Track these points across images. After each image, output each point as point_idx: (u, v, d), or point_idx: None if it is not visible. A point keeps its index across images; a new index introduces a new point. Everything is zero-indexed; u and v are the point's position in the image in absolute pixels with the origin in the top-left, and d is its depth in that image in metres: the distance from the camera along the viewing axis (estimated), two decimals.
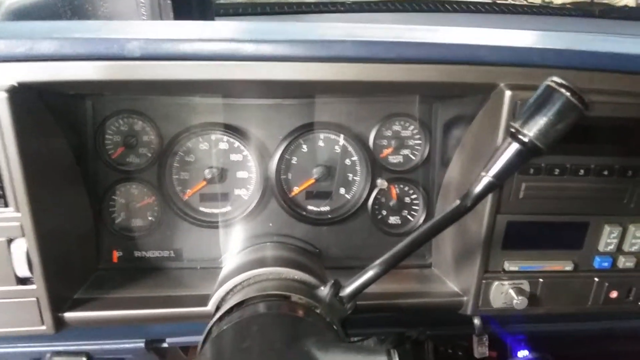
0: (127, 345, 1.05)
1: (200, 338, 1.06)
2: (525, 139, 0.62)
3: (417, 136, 1.06)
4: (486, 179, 0.66)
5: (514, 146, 0.63)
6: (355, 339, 0.82)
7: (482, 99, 0.87)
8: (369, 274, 0.75)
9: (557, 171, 0.86)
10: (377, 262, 0.75)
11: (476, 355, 1.05)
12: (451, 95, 0.97)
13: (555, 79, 0.61)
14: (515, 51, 0.79)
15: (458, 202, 0.70)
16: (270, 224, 1.07)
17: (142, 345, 1.05)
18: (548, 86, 0.61)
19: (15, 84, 0.74)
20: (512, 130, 0.63)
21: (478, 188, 0.67)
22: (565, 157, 0.86)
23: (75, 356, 0.71)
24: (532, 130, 0.61)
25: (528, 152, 0.63)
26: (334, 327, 0.73)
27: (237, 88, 0.88)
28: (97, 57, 0.74)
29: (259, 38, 0.76)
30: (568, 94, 0.59)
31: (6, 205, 0.78)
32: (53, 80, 0.76)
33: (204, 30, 0.85)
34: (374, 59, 0.77)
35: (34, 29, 0.82)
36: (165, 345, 1.09)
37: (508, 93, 0.80)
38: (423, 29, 0.91)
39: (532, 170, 0.85)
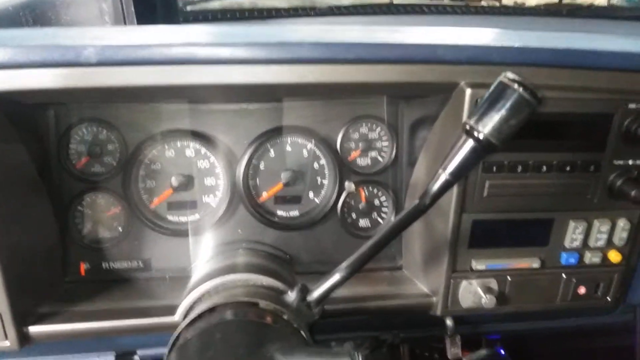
0: (96, 359, 1.03)
1: None
2: (480, 136, 0.62)
3: (384, 137, 1.06)
4: (443, 176, 0.66)
5: (469, 143, 0.64)
6: (333, 343, 0.81)
7: (445, 98, 0.87)
8: (335, 277, 0.74)
9: (519, 168, 0.86)
10: (343, 265, 0.75)
11: (449, 356, 1.05)
12: (415, 96, 0.98)
13: (509, 74, 0.61)
14: (474, 49, 0.80)
15: (417, 201, 0.70)
16: (240, 231, 1.06)
17: (112, 358, 1.03)
18: (501, 82, 0.62)
19: None
20: (467, 127, 0.64)
21: (435, 186, 0.67)
22: (527, 154, 0.86)
23: None
24: (486, 126, 0.62)
25: (482, 148, 0.63)
26: (301, 332, 0.73)
27: (199, 93, 0.88)
28: (52, 65, 0.73)
29: (218, 41, 0.76)
30: (520, 89, 0.60)
31: None
32: (9, 90, 0.75)
33: (163, 34, 0.85)
34: (333, 60, 0.77)
35: None
36: (136, 357, 1.07)
37: (468, 91, 0.80)
38: (385, 29, 0.91)
39: (495, 168, 0.86)
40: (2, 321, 0.82)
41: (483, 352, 1.16)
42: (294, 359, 0.62)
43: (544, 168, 0.87)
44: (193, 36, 0.83)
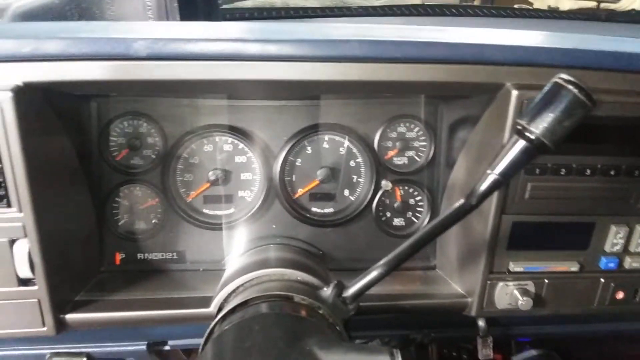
0: (128, 348, 1.04)
1: (201, 340, 1.06)
2: (532, 136, 0.62)
3: (422, 137, 1.06)
4: (492, 176, 0.66)
5: (521, 143, 0.63)
6: (358, 340, 0.81)
7: (488, 99, 0.86)
8: (372, 274, 0.74)
9: (563, 171, 0.86)
10: (381, 262, 0.74)
11: (480, 357, 1.04)
12: (457, 96, 0.97)
13: (563, 75, 0.61)
14: (521, 50, 0.79)
15: (462, 200, 0.69)
16: (274, 226, 1.07)
17: (144, 347, 1.04)
18: (555, 83, 0.61)
19: (21, 84, 0.74)
20: (519, 127, 0.63)
21: (483, 186, 0.67)
22: (571, 157, 0.85)
23: (75, 357, 0.70)
24: (538, 127, 0.61)
25: (534, 149, 0.63)
26: (337, 327, 0.73)
27: (243, 89, 0.88)
28: (102, 57, 0.74)
29: (265, 38, 0.76)
30: (576, 90, 0.60)
31: (9, 205, 0.78)
32: (58, 80, 0.76)
33: (211, 30, 0.85)
34: (380, 58, 0.77)
35: (40, 29, 0.82)
36: (167, 347, 1.08)
37: (514, 92, 0.80)
38: (429, 29, 0.91)
39: (538, 170, 0.85)
40: (41, 308, 0.83)
41: (533, 352, 1.15)
42: (332, 353, 0.62)
43: (588, 171, 0.86)
44: (239, 33, 0.83)
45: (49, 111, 0.83)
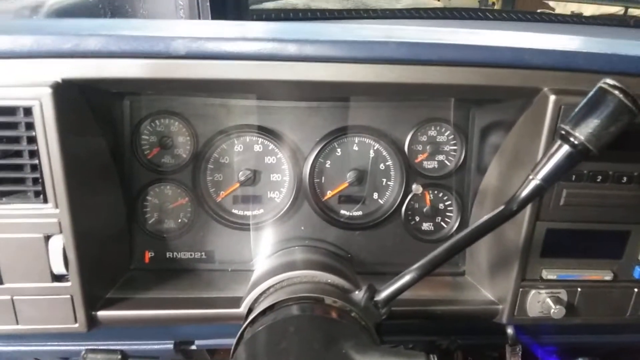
0: (155, 347, 1.04)
1: (228, 341, 1.06)
2: (576, 142, 0.61)
3: (453, 142, 1.05)
4: (534, 182, 0.65)
5: (564, 148, 0.63)
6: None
7: (524, 104, 0.86)
8: (405, 278, 0.73)
9: (599, 178, 0.84)
10: (414, 266, 0.73)
11: None
12: (491, 100, 0.96)
13: (608, 81, 0.60)
14: (560, 55, 0.78)
15: (502, 206, 0.69)
16: (302, 228, 1.07)
17: (170, 346, 1.04)
18: (600, 88, 0.60)
19: (60, 81, 0.75)
20: (563, 132, 0.62)
21: (525, 192, 0.66)
22: (608, 164, 0.84)
23: (110, 354, 0.70)
24: (583, 132, 0.60)
25: (578, 154, 0.62)
26: (370, 331, 0.72)
27: (278, 89, 0.88)
28: (142, 55, 0.75)
29: (301, 38, 0.76)
30: (621, 96, 0.59)
31: (45, 201, 0.78)
32: (98, 78, 0.76)
33: (245, 30, 0.85)
34: (416, 60, 0.77)
35: (80, 25, 0.83)
36: (193, 347, 1.08)
37: (552, 97, 0.79)
38: (464, 31, 0.90)
39: (574, 177, 0.84)
40: (74, 304, 0.84)
41: None
42: (368, 357, 0.62)
43: (624, 179, 0.85)
44: (275, 33, 0.83)
45: (86, 108, 0.83)
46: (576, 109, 0.62)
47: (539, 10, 2.06)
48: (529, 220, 0.86)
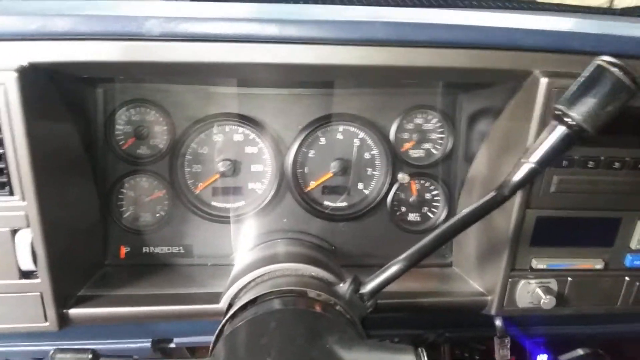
0: (132, 345, 1.00)
1: (208, 338, 1.02)
2: (573, 122, 0.58)
3: (440, 129, 1.02)
4: (527, 165, 0.62)
5: (559, 130, 0.60)
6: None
7: (513, 88, 0.83)
8: (392, 270, 0.71)
9: (591, 164, 0.82)
10: (401, 257, 0.71)
11: (497, 358, 1.01)
12: (478, 85, 0.94)
13: (606, 57, 0.58)
14: (553, 35, 0.76)
15: (494, 192, 0.66)
16: (285, 220, 1.03)
17: (148, 344, 1.00)
18: (598, 65, 0.58)
19: (26, 64, 0.70)
20: (558, 112, 0.60)
21: (517, 176, 0.63)
22: (599, 149, 0.82)
23: (80, 353, 0.66)
24: (580, 112, 0.58)
25: (574, 135, 0.59)
26: (355, 325, 0.69)
27: (258, 73, 0.84)
28: (113, 37, 0.70)
29: (282, 18, 0.72)
30: (620, 73, 0.56)
31: (11, 193, 0.74)
32: (66, 61, 0.72)
33: (224, 10, 0.81)
34: (404, 42, 0.74)
35: (47, 6, 0.78)
36: (172, 345, 1.04)
37: (544, 80, 0.76)
38: (454, 12, 0.87)
39: (564, 163, 0.82)
40: (43, 302, 0.79)
41: (579, 351, 1.11)
42: (354, 352, 0.58)
43: (616, 164, 0.83)
44: (255, 13, 0.79)
45: (55, 94, 0.79)
46: (571, 88, 0.59)
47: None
48: (519, 208, 0.83)
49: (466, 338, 1.15)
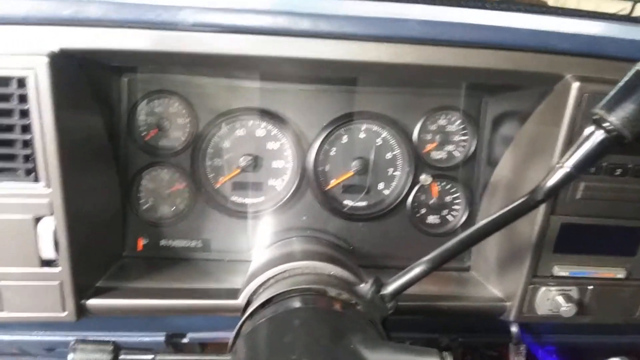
0: (146, 339, 0.99)
1: (221, 334, 1.02)
2: (611, 127, 0.57)
3: (464, 131, 1.02)
4: (562, 170, 0.61)
5: (597, 134, 0.59)
6: None
7: (543, 92, 0.82)
8: (415, 271, 0.70)
9: (618, 171, 0.81)
10: (425, 259, 0.70)
11: None
12: (505, 88, 0.93)
13: None
14: (588, 40, 0.75)
15: (526, 196, 0.65)
16: (304, 218, 1.03)
17: (162, 338, 0.99)
18: (638, 71, 0.57)
19: (57, 50, 0.70)
20: (596, 117, 0.59)
21: (552, 180, 0.62)
22: (628, 157, 0.81)
23: (101, 345, 0.65)
24: (618, 117, 0.57)
25: (612, 140, 0.58)
26: (376, 326, 0.68)
27: (289, 68, 0.83)
28: (146, 25, 0.70)
29: (316, 12, 0.72)
30: None
31: (37, 180, 0.73)
32: (97, 49, 0.71)
33: (258, 1, 0.80)
34: (438, 40, 0.73)
35: None
36: (185, 340, 1.03)
37: (576, 85, 0.75)
38: (487, 12, 0.86)
39: (592, 169, 0.81)
40: (62, 292, 0.79)
41: None
42: (378, 353, 0.58)
43: None
44: (289, 5, 0.78)
45: (83, 82, 0.79)
46: (611, 93, 0.58)
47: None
48: (544, 214, 0.82)
49: (478, 344, 1.14)
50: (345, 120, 0.98)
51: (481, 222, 0.68)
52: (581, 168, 0.61)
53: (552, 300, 0.89)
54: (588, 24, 0.83)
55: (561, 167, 0.62)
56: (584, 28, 0.79)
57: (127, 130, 0.95)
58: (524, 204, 0.65)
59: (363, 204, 1.03)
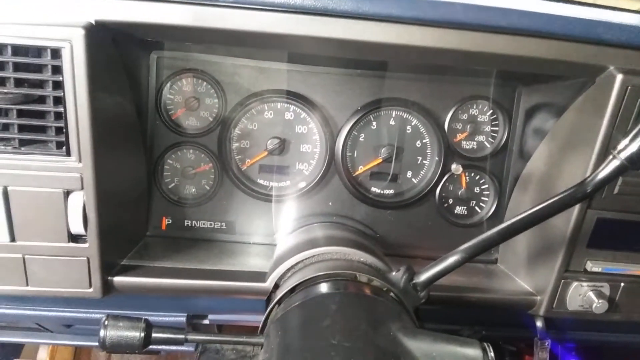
0: (167, 319, 0.99)
1: (242, 317, 1.01)
2: None
3: (495, 122, 1.00)
4: (616, 161, 0.60)
5: None
6: None
7: (581, 84, 0.80)
8: (449, 261, 0.68)
9: None
10: (460, 249, 0.68)
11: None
12: (541, 79, 0.91)
13: None
14: (635, 31, 0.72)
15: (574, 188, 0.63)
16: (330, 203, 1.01)
17: (183, 319, 0.99)
18: None
19: (93, 22, 0.68)
20: None
21: (605, 172, 0.60)
22: None
23: (133, 322, 0.64)
24: None
25: None
26: (410, 314, 0.67)
27: (329, 49, 0.81)
28: (185, 0, 0.68)
29: None
30: None
31: (68, 154, 0.72)
32: (135, 22, 0.70)
33: None
34: (483, 26, 0.71)
35: None
36: (206, 321, 1.03)
37: (619, 77, 0.73)
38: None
39: None
40: (90, 268, 0.78)
41: None
42: (418, 341, 0.56)
43: None
44: None
45: (116, 56, 0.77)
46: None
47: None
48: (580, 208, 0.81)
49: (499, 337, 1.12)
50: (375, 106, 0.97)
51: (524, 213, 0.66)
52: (636, 162, 0.59)
53: (584, 296, 0.87)
54: (633, 16, 0.81)
55: (615, 158, 0.60)
56: (630, 19, 0.77)
57: (155, 108, 0.94)
58: (569, 196, 0.64)
59: (390, 191, 1.02)
